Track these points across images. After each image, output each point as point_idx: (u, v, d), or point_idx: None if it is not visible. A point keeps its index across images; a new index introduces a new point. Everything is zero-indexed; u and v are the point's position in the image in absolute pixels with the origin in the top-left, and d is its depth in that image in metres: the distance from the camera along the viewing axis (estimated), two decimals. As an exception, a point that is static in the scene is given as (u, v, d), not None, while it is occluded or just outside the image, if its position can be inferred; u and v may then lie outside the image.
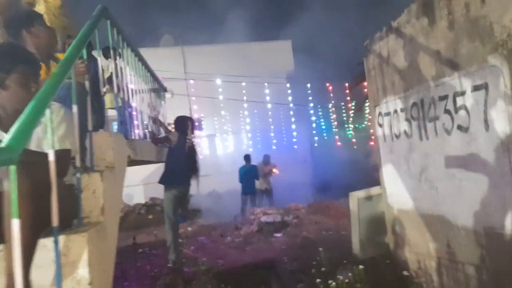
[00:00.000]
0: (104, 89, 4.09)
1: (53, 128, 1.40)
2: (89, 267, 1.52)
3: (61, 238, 1.50)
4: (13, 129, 1.14)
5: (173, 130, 4.68)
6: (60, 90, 1.53)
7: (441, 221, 3.18)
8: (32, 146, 1.52)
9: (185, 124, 4.65)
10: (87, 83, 2.02)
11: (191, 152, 4.67)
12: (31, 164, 1.27)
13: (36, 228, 1.34)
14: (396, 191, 4.00)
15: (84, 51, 2.04)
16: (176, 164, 4.50)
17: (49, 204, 1.35)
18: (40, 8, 2.59)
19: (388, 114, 4.02)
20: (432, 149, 3.23)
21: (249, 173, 9.51)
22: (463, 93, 2.76)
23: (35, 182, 1.30)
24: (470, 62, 2.64)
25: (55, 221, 1.36)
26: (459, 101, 2.81)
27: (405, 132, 3.68)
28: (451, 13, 2.79)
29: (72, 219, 1.66)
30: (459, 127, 2.84)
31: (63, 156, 1.58)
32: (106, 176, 1.89)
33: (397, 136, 3.85)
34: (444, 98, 2.99)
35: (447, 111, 2.97)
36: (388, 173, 4.13)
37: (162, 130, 4.54)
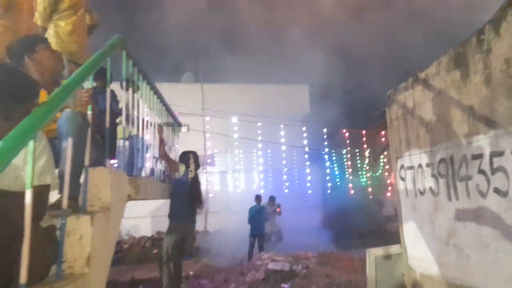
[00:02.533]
0: (117, 120, 4.02)
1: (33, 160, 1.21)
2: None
3: (31, 295, 1.25)
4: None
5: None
6: (58, 120, 1.36)
7: (472, 295, 2.80)
8: (9, 177, 1.31)
9: (187, 157, 4.64)
10: (89, 114, 1.86)
11: (194, 184, 4.53)
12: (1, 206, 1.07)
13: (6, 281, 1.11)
14: (418, 253, 3.63)
15: (90, 80, 1.91)
16: (180, 198, 4.35)
17: (14, 254, 1.13)
18: (49, 32, 2.52)
19: (411, 167, 3.75)
20: (462, 212, 2.92)
21: (259, 214, 9.19)
22: (501, 154, 2.50)
23: (4, 227, 1.09)
24: (509, 120, 2.41)
25: (23, 276, 1.13)
26: (496, 162, 2.54)
27: (430, 189, 3.38)
28: (488, 68, 2.60)
29: (45, 270, 1.42)
30: (496, 191, 2.54)
31: (41, 193, 1.38)
32: (98, 219, 1.67)
33: (422, 193, 3.55)
34: (478, 157, 2.72)
35: (481, 171, 2.69)
36: (410, 232, 3.79)
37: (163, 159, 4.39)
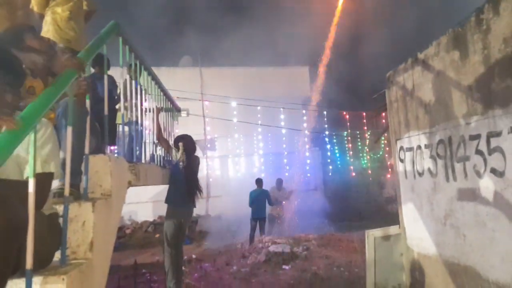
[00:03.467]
0: (117, 106, 4.01)
1: (37, 147, 1.22)
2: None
3: (37, 280, 1.29)
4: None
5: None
6: (57, 108, 1.37)
7: (469, 273, 2.86)
8: (10, 165, 1.32)
9: (176, 143, 4.45)
10: (87, 102, 1.86)
11: (188, 170, 4.40)
12: (4, 195, 1.09)
13: (3, 271, 1.14)
14: (417, 233, 3.69)
15: (87, 68, 1.91)
16: (175, 183, 4.32)
17: (19, 241, 1.15)
18: (46, 19, 2.48)
19: (410, 149, 3.77)
20: (460, 192, 2.96)
21: (261, 198, 9.20)
22: (498, 134, 2.51)
23: (7, 216, 1.11)
24: (507, 100, 2.41)
25: (29, 262, 1.16)
26: (494, 142, 2.55)
27: (429, 170, 3.41)
28: (487, 47, 2.58)
29: (50, 256, 1.45)
30: (493, 171, 2.57)
31: (44, 181, 1.40)
32: (100, 206, 1.70)
33: (420, 174, 3.58)
34: (475, 137, 2.74)
35: (479, 152, 2.71)
36: (409, 212, 3.83)
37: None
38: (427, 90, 3.40)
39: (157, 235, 11.57)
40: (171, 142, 4.66)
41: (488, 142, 2.60)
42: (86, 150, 1.79)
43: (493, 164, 2.56)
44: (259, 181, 9.53)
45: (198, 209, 12.99)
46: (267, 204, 9.33)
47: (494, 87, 2.52)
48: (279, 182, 10.11)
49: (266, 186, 9.94)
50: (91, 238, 1.59)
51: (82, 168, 1.84)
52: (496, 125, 2.51)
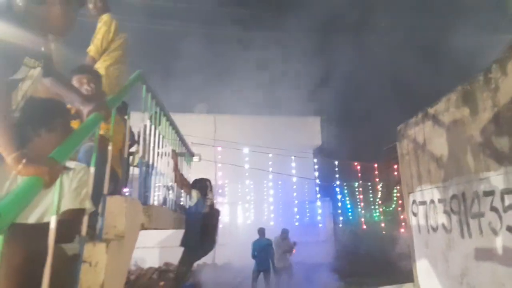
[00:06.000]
0: (131, 149, 4.14)
1: (79, 185, 1.30)
2: None
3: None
4: (9, 194, 1.03)
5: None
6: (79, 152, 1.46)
7: (489, 338, 2.69)
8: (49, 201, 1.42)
9: (204, 185, 4.51)
10: (109, 149, 1.96)
11: (211, 214, 4.42)
12: (28, 234, 1.13)
13: None
14: (432, 292, 3.53)
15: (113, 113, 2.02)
16: (192, 227, 4.30)
17: (40, 277, 1.18)
18: (100, 71, 2.70)
19: (423, 203, 3.72)
20: (476, 250, 2.87)
21: (264, 248, 8.91)
22: (512, 191, 2.49)
23: (28, 254, 1.15)
24: (519, 158, 2.42)
25: (43, 300, 1.18)
26: (508, 199, 2.53)
27: (443, 225, 3.34)
28: (496, 105, 2.64)
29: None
30: (509, 229, 2.51)
31: (77, 215, 1.47)
32: (113, 247, 1.72)
33: (434, 229, 3.50)
34: (489, 194, 2.71)
35: (493, 209, 2.67)
36: (423, 269, 3.70)
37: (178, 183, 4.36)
38: (438, 144, 3.43)
39: (162, 283, 11.20)
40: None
41: (502, 199, 2.57)
42: (105, 191, 1.85)
43: (508, 221, 2.51)
44: (261, 231, 9.27)
45: (205, 257, 12.64)
46: (275, 255, 9.05)
47: (504, 144, 2.54)
48: (284, 232, 9.87)
49: (272, 235, 9.69)
50: (102, 280, 1.59)
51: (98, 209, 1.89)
52: (510, 182, 2.50)
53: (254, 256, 8.79)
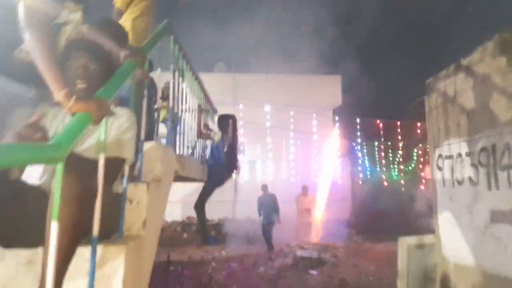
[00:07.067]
0: (156, 105, 4.21)
1: (120, 132, 1.36)
2: (124, 283, 1.41)
3: (99, 249, 1.41)
4: (66, 126, 1.10)
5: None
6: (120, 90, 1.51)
7: (509, 285, 2.77)
8: (92, 146, 1.49)
9: (226, 123, 4.77)
10: (145, 92, 2.01)
11: (231, 150, 4.72)
12: (82, 167, 1.21)
13: (77, 235, 1.26)
14: (454, 243, 3.59)
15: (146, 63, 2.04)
16: (215, 162, 4.59)
17: (93, 210, 1.28)
18: (125, 24, 2.69)
19: (450, 157, 3.69)
20: (503, 202, 2.87)
21: (269, 203, 9.39)
22: (547, 142, 2.43)
23: (83, 185, 1.23)
24: (558, 107, 2.34)
25: (95, 230, 1.28)
26: (542, 150, 2.48)
27: (470, 178, 3.33)
28: (537, 53, 2.52)
29: (111, 229, 1.58)
30: (540, 180, 2.49)
31: (119, 162, 1.54)
32: (152, 188, 1.81)
33: (460, 183, 3.50)
34: (522, 145, 2.66)
35: (525, 160, 2.63)
36: (446, 222, 3.74)
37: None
38: (470, 96, 3.33)
39: (185, 235, 11.77)
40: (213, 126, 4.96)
41: (535, 150, 2.53)
42: (142, 136, 1.93)
43: (540, 173, 2.48)
44: (264, 187, 9.79)
45: (225, 212, 13.10)
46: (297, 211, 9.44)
47: (544, 93, 2.46)
48: (304, 188, 10.23)
49: (294, 192, 9.94)
50: (145, 217, 1.70)
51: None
52: (545, 132, 2.44)
53: (260, 211, 9.30)
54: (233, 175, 5.01)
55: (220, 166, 4.57)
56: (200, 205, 4.85)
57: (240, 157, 13.54)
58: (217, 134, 4.61)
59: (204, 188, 4.78)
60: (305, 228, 9.95)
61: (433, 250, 3.96)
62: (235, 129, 4.84)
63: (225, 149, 4.54)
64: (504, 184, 2.84)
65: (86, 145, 1.49)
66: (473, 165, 3.29)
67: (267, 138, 13.51)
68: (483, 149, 3.12)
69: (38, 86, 1.38)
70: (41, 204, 1.23)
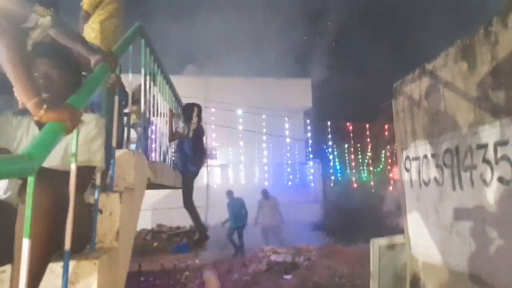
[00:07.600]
0: (127, 110, 4.10)
1: (88, 139, 1.31)
2: (97, 298, 1.36)
3: (71, 264, 1.35)
4: (37, 136, 1.04)
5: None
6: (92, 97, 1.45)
7: (474, 281, 2.90)
8: (58, 157, 1.41)
9: (190, 109, 4.75)
10: (116, 98, 1.95)
11: (196, 137, 4.71)
12: (50, 179, 1.15)
13: (49, 251, 1.19)
14: (422, 242, 3.73)
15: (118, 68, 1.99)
16: (183, 153, 4.57)
17: (65, 223, 1.22)
18: (93, 26, 2.62)
19: (416, 158, 3.84)
20: (466, 201, 3.02)
21: (236, 208, 9.52)
22: (505, 143, 2.58)
23: (54, 198, 1.17)
24: (515, 110, 2.49)
25: (67, 244, 1.22)
26: (501, 151, 2.62)
27: (435, 179, 3.47)
28: (495, 58, 2.68)
29: (85, 241, 1.51)
30: (500, 179, 2.63)
31: (88, 171, 1.48)
32: (125, 198, 1.76)
33: (426, 183, 3.64)
34: (482, 146, 2.81)
35: (486, 161, 2.78)
36: (414, 222, 3.88)
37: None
38: (434, 100, 3.49)
39: (155, 244, 11.50)
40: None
41: (495, 151, 2.67)
42: (113, 144, 1.86)
43: (500, 172, 2.62)
44: (230, 193, 10.00)
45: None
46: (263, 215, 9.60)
47: (501, 97, 2.61)
48: (264, 192, 10.43)
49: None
50: (118, 228, 1.64)
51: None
52: (504, 133, 2.59)
53: (230, 216, 9.41)
54: (204, 166, 5.00)
55: (189, 157, 4.54)
56: (188, 203, 4.75)
57: (209, 155, 13.45)
58: (183, 124, 4.59)
59: (184, 185, 4.69)
60: (270, 232, 10.04)
61: (403, 250, 4.09)
62: (200, 117, 4.82)
63: (190, 134, 4.50)
64: (467, 184, 2.99)
65: (51, 155, 1.42)
66: (438, 166, 3.43)
67: (239, 141, 13.49)
68: (447, 151, 3.27)
69: (3, 94, 1.30)
70: (8, 220, 1.16)
